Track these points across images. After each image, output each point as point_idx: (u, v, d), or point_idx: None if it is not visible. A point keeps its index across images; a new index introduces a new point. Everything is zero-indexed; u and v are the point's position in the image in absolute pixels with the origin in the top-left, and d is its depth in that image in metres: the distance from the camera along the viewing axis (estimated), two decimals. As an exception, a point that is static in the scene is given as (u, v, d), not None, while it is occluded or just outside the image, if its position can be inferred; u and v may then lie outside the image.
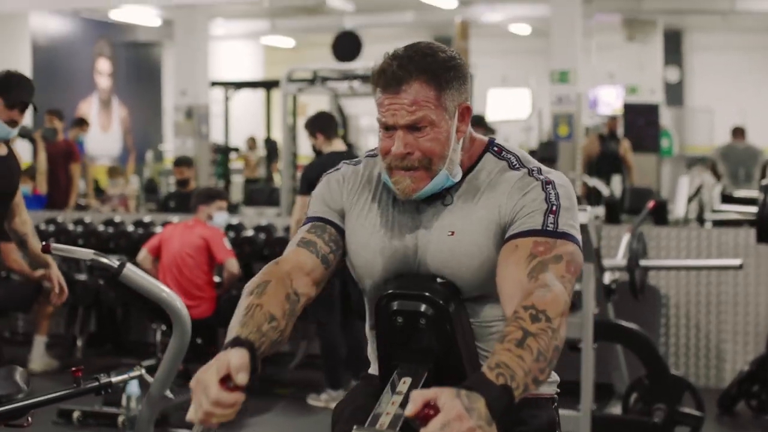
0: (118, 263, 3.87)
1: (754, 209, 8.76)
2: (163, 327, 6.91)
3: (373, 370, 2.54)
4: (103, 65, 18.95)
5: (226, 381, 2.08)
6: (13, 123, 4.70)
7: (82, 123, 12.46)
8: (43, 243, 3.93)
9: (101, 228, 8.44)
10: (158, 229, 8.07)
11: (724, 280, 7.46)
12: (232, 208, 11.46)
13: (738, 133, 13.98)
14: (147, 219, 8.63)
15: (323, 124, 7.00)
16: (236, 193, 15.85)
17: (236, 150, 17.44)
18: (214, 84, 15.85)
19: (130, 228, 8.41)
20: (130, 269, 3.89)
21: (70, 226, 8.58)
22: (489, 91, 20.51)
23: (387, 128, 2.36)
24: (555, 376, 2.50)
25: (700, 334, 7.53)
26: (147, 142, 19.33)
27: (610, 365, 6.46)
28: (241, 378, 2.07)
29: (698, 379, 7.40)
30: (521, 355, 2.01)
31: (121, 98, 19.33)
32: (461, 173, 2.42)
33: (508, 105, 19.34)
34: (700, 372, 7.46)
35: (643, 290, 5.94)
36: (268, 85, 16.81)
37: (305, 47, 23.27)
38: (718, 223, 8.69)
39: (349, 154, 6.97)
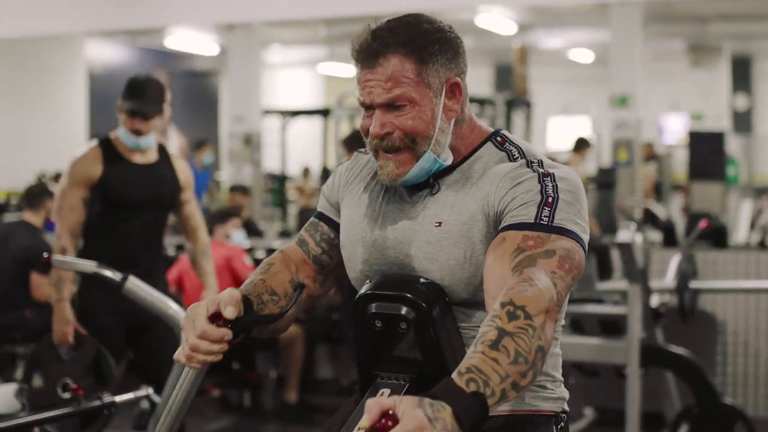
0: (120, 277, 3.69)
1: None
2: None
3: None
4: (160, 94, 18.98)
5: (215, 318, 2.04)
6: (136, 132, 4.57)
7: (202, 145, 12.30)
8: (44, 255, 3.75)
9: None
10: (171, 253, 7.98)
11: (784, 306, 7.13)
12: (286, 235, 11.33)
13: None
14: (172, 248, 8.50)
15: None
16: (291, 221, 15.74)
17: (291, 178, 17.37)
18: (268, 112, 15.78)
19: (171, 252, 8.25)
20: (132, 283, 3.72)
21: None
22: (549, 119, 20.32)
23: (366, 107, 2.15)
24: (562, 392, 2.22)
25: (759, 362, 7.18)
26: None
27: (660, 393, 6.15)
28: (230, 312, 2.03)
29: (756, 409, 7.06)
30: (496, 358, 1.76)
31: (179, 127, 19.31)
32: (451, 157, 2.17)
33: (568, 133, 19.13)
34: (759, 402, 7.12)
35: (692, 313, 5.63)
36: (324, 112, 16.71)
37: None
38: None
39: None
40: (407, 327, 2.02)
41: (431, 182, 2.18)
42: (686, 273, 5.55)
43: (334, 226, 2.34)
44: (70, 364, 4.26)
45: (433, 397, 1.66)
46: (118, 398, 3.65)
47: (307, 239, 2.36)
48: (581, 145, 11.93)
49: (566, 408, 2.22)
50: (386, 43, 2.09)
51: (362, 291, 2.12)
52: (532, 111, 14.90)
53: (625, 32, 12.50)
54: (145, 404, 5.05)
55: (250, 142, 14.35)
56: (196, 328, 2.02)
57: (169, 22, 14.90)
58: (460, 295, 2.10)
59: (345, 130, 12.34)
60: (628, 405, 5.25)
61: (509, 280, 1.93)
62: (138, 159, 4.65)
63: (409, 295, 2.02)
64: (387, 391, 1.98)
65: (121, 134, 4.64)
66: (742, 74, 21.61)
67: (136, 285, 3.72)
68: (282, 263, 2.31)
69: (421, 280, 2.09)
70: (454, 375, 1.72)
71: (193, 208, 4.80)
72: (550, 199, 2.04)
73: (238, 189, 10.09)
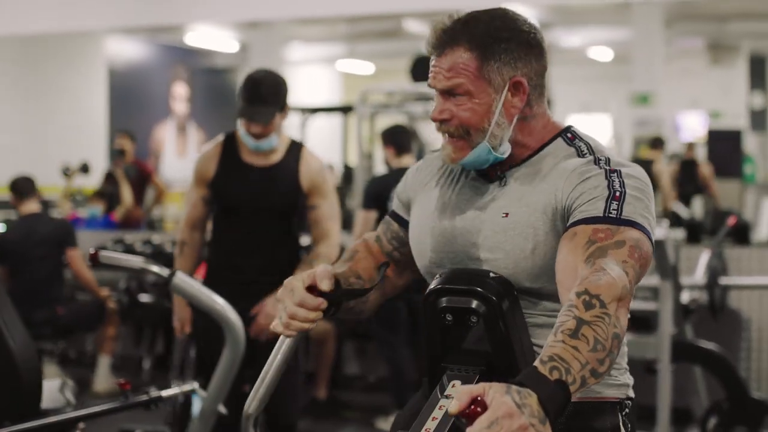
0: (168, 272, 3.74)
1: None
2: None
3: None
4: (180, 90, 19.03)
5: (311, 290, 2.19)
6: (254, 135, 4.35)
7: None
8: (91, 251, 3.76)
9: (169, 249, 8.34)
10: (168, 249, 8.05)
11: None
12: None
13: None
14: (156, 239, 8.56)
15: (396, 137, 6.84)
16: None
17: None
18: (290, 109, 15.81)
19: (169, 248, 8.30)
20: (180, 278, 3.76)
21: (138, 246, 8.50)
22: (568, 117, 20.25)
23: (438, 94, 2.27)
24: (626, 379, 2.27)
25: (784, 359, 7.24)
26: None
27: (687, 389, 6.20)
28: (325, 284, 2.18)
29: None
30: (576, 346, 1.81)
31: (198, 123, 19.40)
32: (509, 150, 2.24)
33: (588, 131, 19.11)
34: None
35: (722, 309, 5.69)
36: (345, 110, 16.73)
37: (383, 74, 23.21)
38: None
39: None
40: (477, 320, 2.08)
41: (500, 174, 2.26)
42: (716, 270, 5.61)
43: (404, 224, 2.43)
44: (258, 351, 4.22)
45: (520, 384, 1.71)
46: (164, 393, 3.70)
47: (381, 236, 2.50)
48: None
49: (630, 394, 2.27)
50: (455, 35, 2.20)
51: (432, 286, 2.17)
52: (553, 109, 14.91)
53: (646, 31, 12.57)
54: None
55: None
56: (295, 297, 2.17)
57: (191, 20, 14.96)
58: (522, 284, 2.16)
59: (367, 127, 12.38)
60: (659, 400, 5.29)
61: (583, 271, 1.98)
62: (256, 161, 4.44)
63: (479, 289, 2.07)
64: (458, 382, 2.04)
65: (241, 133, 4.44)
66: (758, 73, 21.60)
67: (183, 281, 3.76)
68: (366, 251, 2.47)
69: (491, 274, 2.14)
70: (537, 363, 1.78)
71: (321, 215, 4.46)
72: (617, 194, 2.09)
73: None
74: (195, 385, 3.85)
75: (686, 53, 18.11)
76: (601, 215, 2.07)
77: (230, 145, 4.47)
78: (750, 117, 19.71)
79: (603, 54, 19.67)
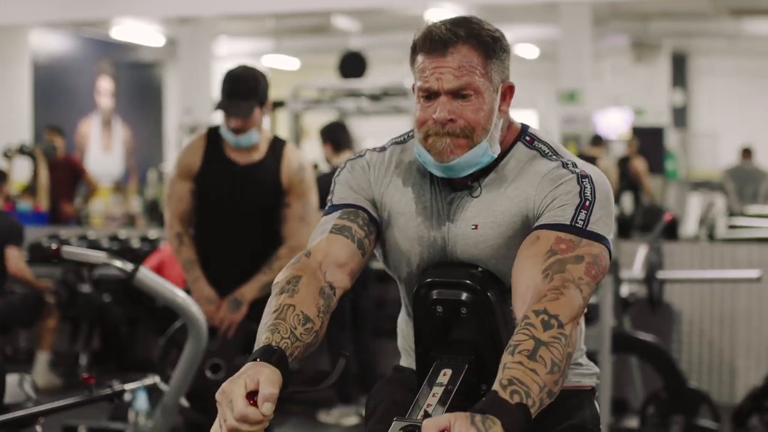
0: (132, 267, 3.78)
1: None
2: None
3: (406, 362, 2.45)
4: (105, 85, 18.88)
5: (252, 395, 1.96)
6: (235, 130, 4.35)
7: None
8: (54, 247, 3.78)
9: (106, 243, 8.34)
10: (163, 244, 8.00)
11: (737, 295, 7.37)
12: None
13: (746, 153, 14.03)
14: (153, 235, 8.53)
15: (333, 134, 6.89)
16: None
17: None
18: (218, 103, 15.78)
19: (136, 244, 8.30)
20: (144, 273, 3.81)
21: (73, 241, 8.47)
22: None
23: (428, 96, 2.22)
24: (594, 368, 2.41)
25: (714, 349, 7.44)
26: (148, 163, 19.26)
27: (623, 379, 6.37)
28: (267, 408, 1.94)
29: (711, 394, 7.29)
30: (534, 369, 1.91)
31: (123, 118, 19.26)
32: (499, 151, 2.28)
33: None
34: (713, 387, 7.35)
35: (660, 303, 5.85)
36: (276, 105, 16.73)
37: (309, 69, 23.22)
38: (727, 241, 8.62)
39: None
40: (467, 312, 2.16)
41: (470, 184, 2.28)
42: (654, 264, 5.76)
43: (371, 216, 2.34)
44: (222, 345, 4.30)
45: (482, 412, 1.80)
46: (128, 386, 3.74)
47: (348, 225, 2.30)
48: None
49: (598, 382, 2.40)
50: (457, 34, 2.20)
51: (423, 279, 2.24)
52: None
53: (574, 29, 12.75)
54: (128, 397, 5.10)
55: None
56: (236, 410, 1.94)
57: (118, 14, 14.85)
58: (507, 284, 2.23)
59: (298, 122, 12.46)
60: (600, 390, 5.43)
61: (540, 285, 2.05)
62: (239, 157, 4.45)
63: (469, 282, 2.16)
64: (449, 371, 2.12)
65: (222, 130, 4.45)
66: (680, 71, 22.00)
67: (146, 276, 3.80)
68: (307, 273, 2.23)
69: (479, 268, 2.22)
70: (497, 387, 1.86)
71: (291, 214, 4.45)
72: (587, 203, 2.16)
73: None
74: (156, 378, 3.89)
75: (612, 51, 18.39)
76: (568, 224, 2.14)
77: (214, 139, 4.46)
78: (672, 114, 20.07)
79: (529, 51, 19.88)
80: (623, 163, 12.88)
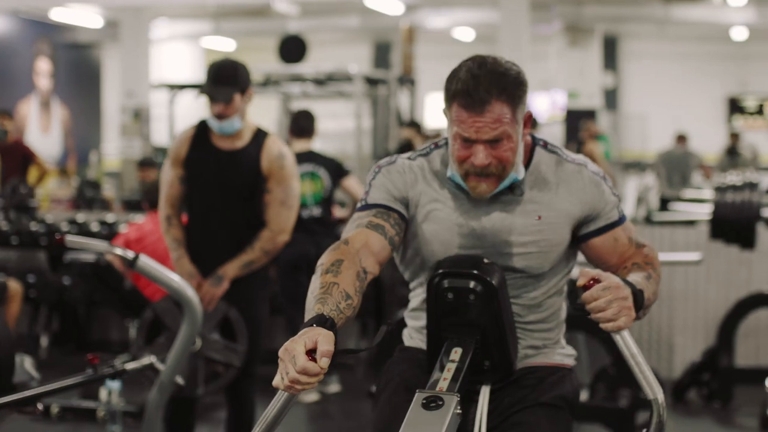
0: (132, 255, 4.05)
1: (699, 209, 9.15)
2: (137, 323, 7.02)
3: (411, 343, 2.79)
4: (43, 66, 18.91)
5: (311, 353, 2.25)
6: (218, 116, 4.64)
7: None
8: (57, 236, 4.04)
9: (65, 227, 8.53)
10: (122, 228, 8.20)
11: (675, 276, 7.78)
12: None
13: (681, 139, 14.51)
14: (111, 219, 8.74)
15: (292, 122, 7.23)
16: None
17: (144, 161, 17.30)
18: (158, 86, 15.93)
19: (95, 227, 8.50)
20: (143, 260, 4.06)
21: (33, 226, 8.64)
22: (427, 96, 20.74)
23: (466, 141, 2.59)
24: (573, 351, 2.82)
25: (653, 328, 7.85)
26: (86, 144, 19.33)
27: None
28: (324, 362, 2.24)
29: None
30: (648, 285, 2.61)
31: (62, 99, 19.31)
32: (523, 171, 2.69)
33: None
34: (652, 363, 7.74)
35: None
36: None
37: (246, 50, 23.39)
38: (665, 224, 9.02)
39: (306, 154, 7.15)
40: (474, 298, 2.48)
41: (512, 188, 2.70)
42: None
43: (402, 216, 2.71)
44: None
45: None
46: (128, 365, 4.03)
47: (381, 224, 2.66)
48: None
49: (576, 362, 2.87)
50: (491, 92, 2.55)
51: (436, 270, 2.56)
52: (417, 89, 15.39)
53: (513, 14, 13.09)
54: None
55: (140, 116, 14.52)
56: (297, 364, 2.23)
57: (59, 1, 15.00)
58: (544, 269, 2.71)
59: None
60: (577, 370, 5.78)
61: (638, 252, 2.79)
62: (224, 144, 4.75)
63: (477, 272, 2.49)
64: (459, 350, 2.44)
65: (208, 119, 4.75)
66: (611, 54, 22.55)
67: (146, 263, 4.07)
68: (348, 257, 2.55)
69: (485, 260, 2.55)
70: (629, 280, 2.55)
71: (271, 199, 4.76)
72: (618, 199, 2.82)
73: (148, 163, 10.35)
74: (153, 358, 4.17)
75: (547, 35, 18.81)
76: (617, 219, 2.81)
77: (202, 129, 4.78)
78: (603, 96, 20.57)
79: (466, 34, 20.25)
80: (578, 147, 13.29)
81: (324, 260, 2.53)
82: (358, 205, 2.75)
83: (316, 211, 7.09)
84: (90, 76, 20.29)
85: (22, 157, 10.66)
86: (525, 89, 2.62)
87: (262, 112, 16.06)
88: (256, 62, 18.53)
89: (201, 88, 4.69)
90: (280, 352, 2.27)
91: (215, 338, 4.65)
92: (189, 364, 4.50)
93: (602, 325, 2.45)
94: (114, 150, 17.17)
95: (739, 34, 21.69)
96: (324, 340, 2.25)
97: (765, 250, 7.32)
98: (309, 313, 2.38)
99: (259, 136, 4.79)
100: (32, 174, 10.92)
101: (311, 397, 7.14)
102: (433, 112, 21.24)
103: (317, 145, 7.44)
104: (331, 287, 2.43)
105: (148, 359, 4.15)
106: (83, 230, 8.46)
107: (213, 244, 4.77)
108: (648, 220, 9.61)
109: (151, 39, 16.11)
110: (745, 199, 6.57)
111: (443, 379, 2.36)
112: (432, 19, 18.07)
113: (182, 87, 17.02)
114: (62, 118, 19.35)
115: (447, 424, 2.27)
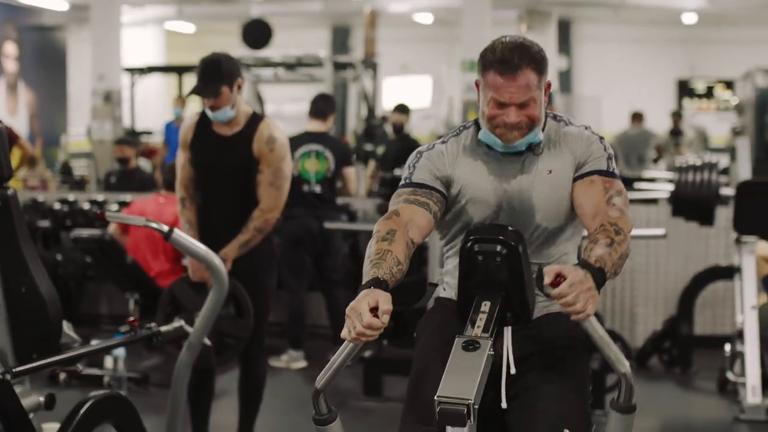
0: (167, 228, 4.48)
1: (659, 188, 9.67)
2: (136, 296, 7.43)
3: (446, 295, 3.26)
4: (9, 48, 19.09)
5: (373, 310, 2.69)
6: (211, 108, 5.08)
7: None
8: (99, 212, 4.48)
9: (57, 206, 8.90)
10: (113, 207, 8.60)
11: (637, 251, 8.31)
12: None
13: (636, 118, 14.97)
14: (100, 198, 9.12)
15: (312, 104, 7.84)
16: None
17: (148, 133, 17.58)
18: (128, 70, 16.18)
19: (86, 206, 8.87)
20: (177, 233, 4.50)
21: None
22: (385, 79, 21.09)
23: (501, 105, 3.04)
24: None
25: (616, 299, 8.38)
26: (51, 127, 19.53)
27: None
28: (386, 318, 2.68)
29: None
30: (610, 253, 2.86)
31: (28, 82, 19.49)
32: (542, 134, 3.15)
33: (408, 93, 19.92)
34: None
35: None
36: (180, 70, 17.20)
37: (207, 33, 23.66)
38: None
39: (315, 135, 7.73)
40: (500, 260, 2.95)
41: (533, 147, 3.15)
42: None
43: (442, 195, 3.15)
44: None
45: (580, 266, 2.76)
46: (163, 328, 4.46)
47: (426, 201, 3.09)
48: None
49: None
50: (523, 60, 3.00)
51: (468, 237, 3.02)
52: (379, 72, 15.80)
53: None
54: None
55: (110, 100, 14.80)
56: (363, 320, 2.66)
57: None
58: (560, 222, 3.15)
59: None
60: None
61: (605, 208, 3.01)
62: (222, 130, 5.17)
63: (502, 238, 2.95)
64: (488, 303, 2.91)
65: (206, 108, 5.16)
66: (565, 37, 23.08)
67: (180, 236, 4.50)
68: (400, 228, 2.97)
69: (509, 228, 3.02)
70: (589, 260, 2.82)
71: (262, 179, 5.15)
72: (610, 155, 3.16)
73: (125, 141, 10.74)
74: (182, 322, 4.61)
75: (506, 19, 19.25)
76: (605, 169, 3.12)
77: (204, 118, 5.22)
78: (558, 79, 21.08)
79: (424, 17, 20.68)
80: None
81: (379, 228, 2.98)
82: (402, 182, 3.19)
83: (317, 188, 7.64)
84: (55, 59, 20.44)
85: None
86: (547, 62, 3.08)
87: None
88: (218, 46, 18.85)
89: (193, 88, 5.11)
90: (348, 311, 2.72)
91: (224, 313, 5.07)
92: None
93: (573, 317, 2.76)
94: (81, 132, 17.37)
95: (689, 18, 22.32)
96: (384, 300, 2.71)
97: (722, 227, 7.83)
98: (366, 275, 2.84)
99: (254, 120, 5.20)
100: (15, 155, 11.23)
101: (300, 364, 7.61)
102: (392, 95, 21.63)
103: (282, 126, 7.96)
104: (386, 254, 2.88)
105: (179, 323, 4.59)
106: (74, 208, 8.84)
107: (218, 225, 5.18)
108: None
109: (116, 22, 16.32)
110: (704, 179, 7.09)
111: (477, 326, 2.84)
112: (393, 4, 18.46)
113: (149, 70, 17.37)
114: (28, 100, 19.54)
115: (485, 361, 2.76)
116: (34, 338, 4.16)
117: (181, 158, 5.29)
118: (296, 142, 7.46)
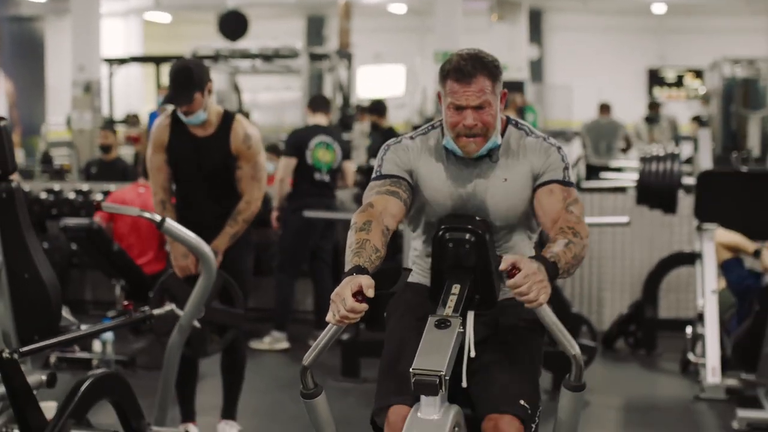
0: (160, 218, 4.78)
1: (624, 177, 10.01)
2: (122, 282, 7.72)
3: (416, 279, 3.55)
4: (-13, 39, 19.25)
5: (356, 295, 2.98)
6: (184, 113, 5.27)
7: None
8: (95, 203, 4.78)
9: (43, 196, 9.15)
10: (98, 196, 8.86)
11: (604, 238, 8.66)
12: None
13: (604, 108, 15.29)
14: (85, 187, 9.37)
15: (311, 100, 8.30)
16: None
17: (123, 122, 17.70)
18: (108, 60, 16.36)
19: (71, 195, 9.12)
20: (169, 223, 4.79)
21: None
22: (359, 69, 21.35)
23: (458, 108, 3.30)
24: None
25: (584, 284, 8.73)
26: (30, 117, 19.71)
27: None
28: (370, 292, 2.98)
29: (583, 323, 8.58)
30: (565, 252, 3.14)
31: (6, 72, 19.63)
32: (501, 139, 3.41)
33: (381, 82, 20.16)
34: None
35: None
36: (158, 60, 17.38)
37: (183, 23, 23.86)
38: (594, 190, 9.86)
39: (324, 128, 8.12)
40: (469, 247, 3.26)
41: (490, 154, 3.40)
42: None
43: (410, 184, 3.43)
44: None
45: (535, 259, 3.03)
46: (156, 311, 4.77)
47: (396, 190, 3.36)
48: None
49: None
50: (476, 68, 3.28)
51: (440, 226, 3.32)
52: (353, 62, 16.08)
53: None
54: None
55: (90, 90, 15.01)
56: (346, 304, 2.96)
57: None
58: (514, 221, 3.42)
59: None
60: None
61: (566, 215, 3.28)
62: (198, 131, 5.35)
63: (471, 227, 3.26)
64: (458, 286, 3.21)
65: (178, 111, 5.33)
66: (536, 27, 23.39)
67: (172, 225, 4.79)
68: (375, 218, 3.24)
69: (477, 217, 3.32)
70: (546, 255, 3.07)
71: (242, 175, 5.39)
72: (566, 166, 3.39)
73: (109, 126, 11.06)
74: (173, 306, 4.91)
75: (477, 10, 19.53)
76: (562, 179, 3.38)
77: (177, 118, 5.40)
78: (529, 68, 21.39)
79: (397, 7, 20.94)
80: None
81: (356, 220, 3.27)
82: (373, 175, 3.47)
83: (326, 177, 8.04)
84: (34, 50, 20.58)
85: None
86: (501, 72, 3.35)
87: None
88: (195, 37, 19.08)
89: (166, 97, 5.30)
90: (332, 296, 3.01)
91: (217, 306, 5.34)
92: (196, 330, 5.18)
93: (526, 305, 3.00)
94: (60, 122, 17.53)
95: (659, 8, 22.69)
96: (366, 283, 3.01)
97: (685, 215, 8.16)
98: (348, 264, 3.13)
99: (226, 120, 5.40)
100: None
101: (283, 345, 7.93)
102: (366, 84, 21.86)
103: (255, 116, 8.26)
104: (364, 243, 3.17)
105: (170, 306, 4.90)
106: (60, 198, 9.10)
107: (200, 218, 5.39)
108: (578, 187, 10.44)
109: (94, 12, 16.48)
110: (667, 169, 7.44)
111: (448, 307, 3.15)
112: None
113: (123, 61, 17.58)
114: (7, 90, 19.70)
115: (454, 338, 3.07)
116: (37, 321, 4.46)
117: (156, 160, 5.42)
118: (309, 132, 7.99)
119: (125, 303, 4.66)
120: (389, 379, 3.31)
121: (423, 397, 3.03)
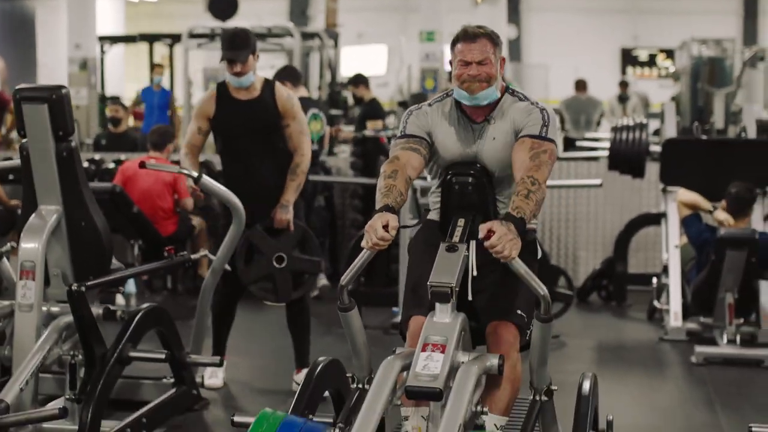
0: (197, 174, 5.46)
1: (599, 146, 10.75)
2: (140, 242, 8.38)
3: (432, 216, 4.23)
4: (-22, 16, 19.57)
5: (385, 227, 3.63)
6: (236, 74, 5.77)
7: None
8: (140, 161, 5.48)
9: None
10: (110, 165, 9.49)
11: (579, 201, 9.45)
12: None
13: (581, 85, 16.01)
14: (97, 157, 10.00)
15: (289, 75, 8.53)
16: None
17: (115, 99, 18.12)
18: (104, 38, 16.82)
19: (84, 164, 9.70)
20: (206, 178, 5.47)
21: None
22: (342, 48, 21.89)
23: (464, 63, 3.95)
24: (536, 221, 4.18)
25: (561, 243, 9.53)
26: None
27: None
28: (394, 232, 3.65)
29: (560, 279, 9.33)
30: (527, 203, 3.70)
31: (-2, 51, 19.99)
32: (499, 95, 4.05)
33: (364, 61, 20.62)
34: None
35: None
36: (151, 38, 17.81)
37: (170, 2, 24.24)
38: (567, 159, 10.58)
39: (312, 100, 8.96)
40: (471, 188, 3.99)
41: (487, 118, 4.06)
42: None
43: (428, 143, 4.08)
44: (282, 242, 5.88)
45: (505, 220, 3.65)
46: (193, 256, 5.50)
47: (417, 147, 4.00)
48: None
49: (537, 223, 4.25)
50: (480, 32, 3.96)
51: (447, 171, 4.04)
52: (339, 41, 16.62)
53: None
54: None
55: (86, 67, 15.53)
56: (377, 234, 3.60)
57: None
58: (508, 173, 4.02)
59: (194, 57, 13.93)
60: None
61: (528, 163, 3.84)
62: (243, 96, 5.85)
63: (472, 172, 3.98)
64: (462, 220, 3.92)
65: (227, 77, 5.86)
66: (514, 7, 24.02)
67: (208, 181, 5.43)
68: (401, 168, 3.88)
69: (477, 165, 4.03)
70: (510, 210, 3.69)
71: (292, 131, 5.91)
72: (546, 124, 3.97)
73: (119, 101, 11.63)
74: (206, 251, 5.64)
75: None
76: (537, 134, 3.97)
77: (222, 89, 5.96)
78: (508, 47, 22.02)
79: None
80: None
81: (385, 169, 3.95)
82: (398, 134, 4.14)
83: (315, 146, 8.52)
84: (24, 28, 20.90)
85: (-1, 105, 11.71)
86: (500, 40, 4.03)
87: (198, 66, 17.11)
88: (182, 15, 19.48)
89: (223, 55, 5.78)
90: (366, 227, 3.70)
91: (297, 254, 5.96)
92: (281, 276, 5.86)
93: (502, 261, 3.56)
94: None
95: (632, -10, 23.34)
96: (393, 219, 3.70)
97: (652, 180, 8.88)
98: (378, 203, 3.80)
99: (268, 84, 5.97)
100: (9, 120, 12.02)
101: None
102: (349, 63, 22.29)
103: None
104: (392, 187, 3.85)
105: (204, 251, 5.62)
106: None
107: (256, 179, 5.90)
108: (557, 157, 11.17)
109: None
110: (636, 137, 8.20)
111: (456, 236, 3.87)
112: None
113: (117, 39, 18.08)
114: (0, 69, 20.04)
115: (461, 259, 3.77)
116: (91, 263, 5.15)
117: (194, 126, 5.95)
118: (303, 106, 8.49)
119: (168, 248, 5.36)
120: (411, 298, 4.04)
121: (437, 305, 3.73)
